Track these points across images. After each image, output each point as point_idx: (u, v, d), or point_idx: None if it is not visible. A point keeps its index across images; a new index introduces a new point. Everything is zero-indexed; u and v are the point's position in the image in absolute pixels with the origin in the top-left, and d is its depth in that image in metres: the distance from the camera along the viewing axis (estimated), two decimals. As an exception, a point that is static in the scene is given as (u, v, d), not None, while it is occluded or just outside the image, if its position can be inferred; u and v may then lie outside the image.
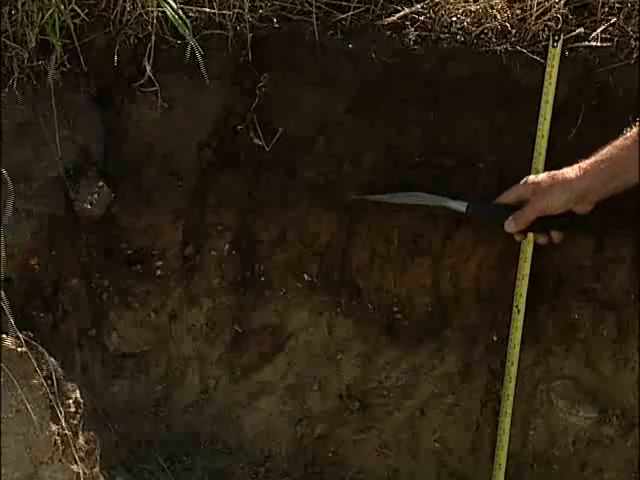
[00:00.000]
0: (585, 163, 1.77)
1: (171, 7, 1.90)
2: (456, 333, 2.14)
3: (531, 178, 1.85)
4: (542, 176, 1.82)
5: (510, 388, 2.06)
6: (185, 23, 1.92)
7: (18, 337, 1.72)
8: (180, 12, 1.92)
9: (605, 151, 1.75)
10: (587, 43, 1.95)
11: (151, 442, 2.11)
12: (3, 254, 1.79)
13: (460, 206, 1.94)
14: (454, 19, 1.99)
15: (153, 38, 1.95)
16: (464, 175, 2.02)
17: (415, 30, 1.98)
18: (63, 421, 1.71)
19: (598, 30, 1.95)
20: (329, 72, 1.99)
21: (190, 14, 1.97)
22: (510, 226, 1.86)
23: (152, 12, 1.93)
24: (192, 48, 1.92)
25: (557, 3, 1.97)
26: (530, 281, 2.02)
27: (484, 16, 1.99)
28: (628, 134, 1.75)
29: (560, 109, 1.95)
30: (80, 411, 1.79)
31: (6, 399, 1.65)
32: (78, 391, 1.80)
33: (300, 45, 1.98)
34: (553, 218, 1.81)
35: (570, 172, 1.78)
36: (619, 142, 1.75)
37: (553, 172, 1.80)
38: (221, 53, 1.98)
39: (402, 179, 2.02)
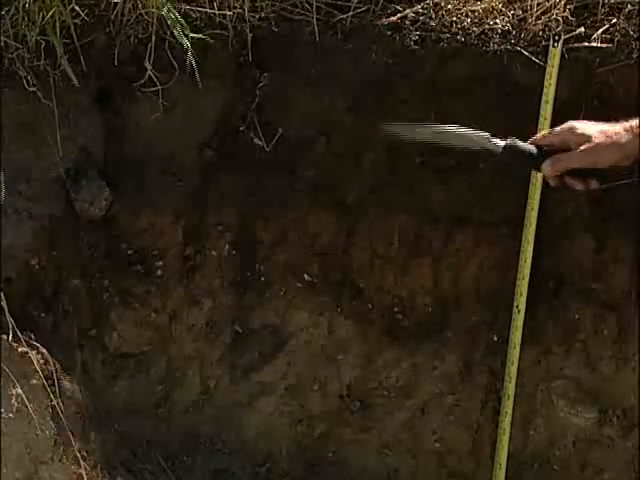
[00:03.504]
0: (635, 125, 1.73)
1: (168, 8, 1.91)
2: (456, 333, 2.14)
3: (578, 126, 1.78)
4: (592, 129, 1.72)
5: (510, 388, 2.06)
6: (181, 24, 1.92)
7: (18, 337, 1.72)
8: (176, 13, 1.92)
9: None
10: (587, 43, 1.95)
11: (151, 442, 2.11)
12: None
13: (496, 147, 1.84)
14: (454, 19, 1.99)
15: (153, 38, 1.95)
16: (464, 175, 2.02)
17: (415, 30, 1.98)
18: (63, 421, 1.71)
19: (599, 30, 1.95)
20: (329, 72, 1.99)
21: (190, 14, 1.97)
22: (547, 169, 1.78)
23: (152, 12, 1.94)
24: (193, 48, 1.92)
25: (557, 3, 1.97)
26: (530, 281, 2.01)
27: (484, 16, 1.99)
28: None
29: (560, 109, 1.94)
30: (80, 411, 1.79)
31: (6, 399, 1.65)
32: (78, 391, 1.80)
33: (300, 45, 1.99)
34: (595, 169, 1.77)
35: (623, 132, 1.71)
36: None
37: (603, 127, 1.71)
38: (221, 53, 1.99)
39: (402, 179, 2.02)
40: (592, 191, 1.76)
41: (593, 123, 1.75)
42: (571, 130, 1.77)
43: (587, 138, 1.74)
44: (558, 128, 1.77)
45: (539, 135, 1.79)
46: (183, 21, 1.92)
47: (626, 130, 1.72)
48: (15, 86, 1.93)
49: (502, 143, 1.76)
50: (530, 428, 2.14)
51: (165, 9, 1.89)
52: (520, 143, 1.77)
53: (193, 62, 1.93)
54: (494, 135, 1.76)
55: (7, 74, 1.93)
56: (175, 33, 1.91)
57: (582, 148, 1.73)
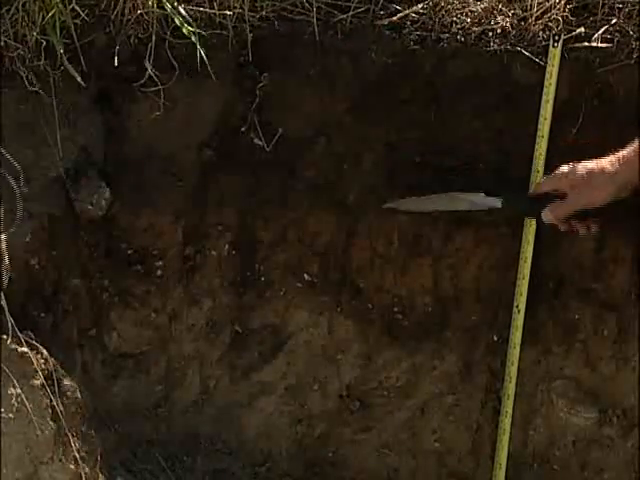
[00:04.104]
0: (622, 156, 1.74)
1: (172, 7, 1.91)
2: (456, 333, 2.14)
3: (565, 171, 1.81)
4: (580, 171, 1.79)
5: (510, 388, 2.06)
6: (189, 23, 1.92)
7: (18, 337, 1.72)
8: (182, 11, 1.92)
9: (638, 143, 1.73)
10: (587, 43, 1.95)
11: (151, 442, 2.11)
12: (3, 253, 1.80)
13: (495, 202, 1.92)
14: (454, 19, 1.99)
15: (153, 38, 1.95)
16: (464, 175, 2.02)
17: (415, 30, 1.98)
18: (63, 421, 1.71)
19: (599, 31, 1.95)
20: (329, 72, 2.00)
21: (190, 14, 1.97)
22: (548, 217, 1.85)
23: (152, 12, 1.93)
24: (193, 48, 1.92)
25: (557, 3, 1.96)
26: (530, 281, 2.01)
27: (484, 16, 1.99)
28: None
29: (560, 109, 1.94)
30: (80, 411, 1.79)
31: (6, 399, 1.65)
32: (78, 391, 1.80)
33: (300, 45, 1.98)
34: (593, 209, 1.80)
35: (608, 166, 1.75)
36: None
37: (589, 165, 1.78)
38: (221, 53, 1.98)
39: (402, 179, 2.02)
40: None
41: (582, 163, 1.79)
42: (562, 175, 1.82)
43: (577, 181, 1.78)
44: (550, 175, 1.83)
45: (535, 185, 1.88)
46: (185, 13, 1.92)
47: (612, 163, 1.75)
48: (15, 86, 1.93)
49: (498, 200, 1.90)
50: (530, 428, 2.14)
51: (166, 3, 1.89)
52: (514, 198, 1.86)
53: (202, 52, 1.92)
54: (488, 193, 1.89)
55: (7, 74, 1.93)
56: (177, 21, 1.90)
57: (575, 192, 1.77)
